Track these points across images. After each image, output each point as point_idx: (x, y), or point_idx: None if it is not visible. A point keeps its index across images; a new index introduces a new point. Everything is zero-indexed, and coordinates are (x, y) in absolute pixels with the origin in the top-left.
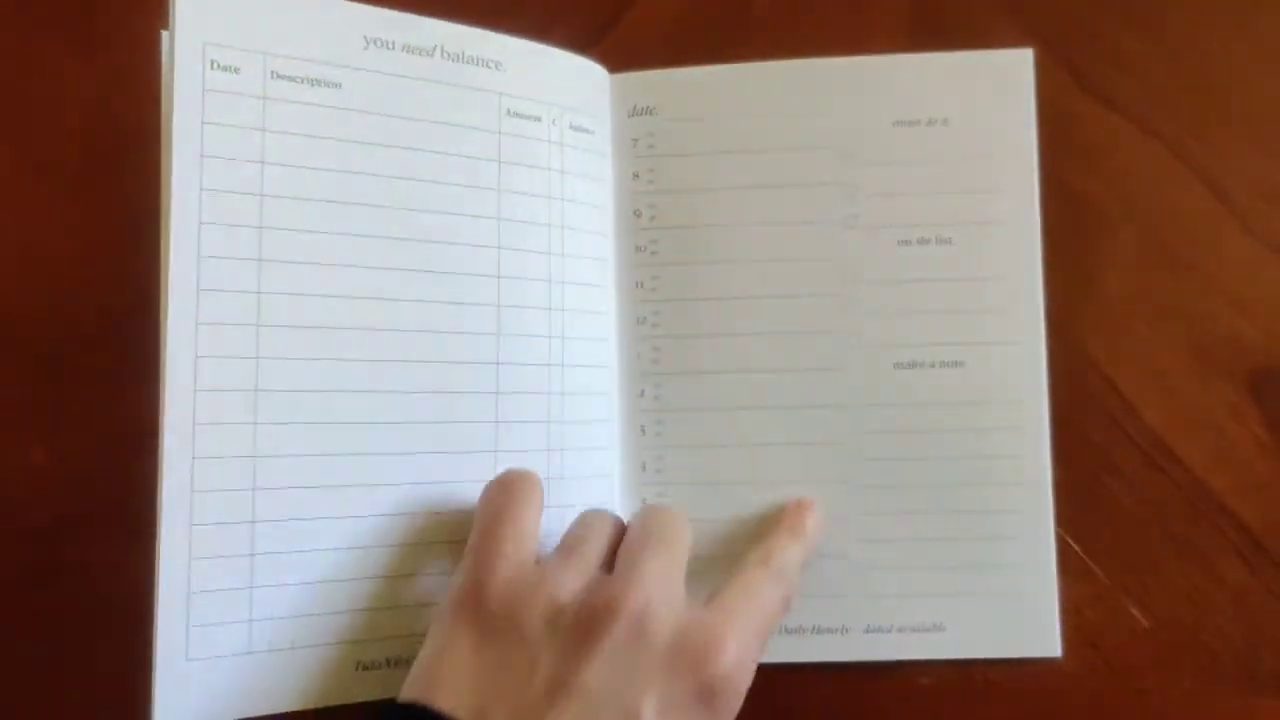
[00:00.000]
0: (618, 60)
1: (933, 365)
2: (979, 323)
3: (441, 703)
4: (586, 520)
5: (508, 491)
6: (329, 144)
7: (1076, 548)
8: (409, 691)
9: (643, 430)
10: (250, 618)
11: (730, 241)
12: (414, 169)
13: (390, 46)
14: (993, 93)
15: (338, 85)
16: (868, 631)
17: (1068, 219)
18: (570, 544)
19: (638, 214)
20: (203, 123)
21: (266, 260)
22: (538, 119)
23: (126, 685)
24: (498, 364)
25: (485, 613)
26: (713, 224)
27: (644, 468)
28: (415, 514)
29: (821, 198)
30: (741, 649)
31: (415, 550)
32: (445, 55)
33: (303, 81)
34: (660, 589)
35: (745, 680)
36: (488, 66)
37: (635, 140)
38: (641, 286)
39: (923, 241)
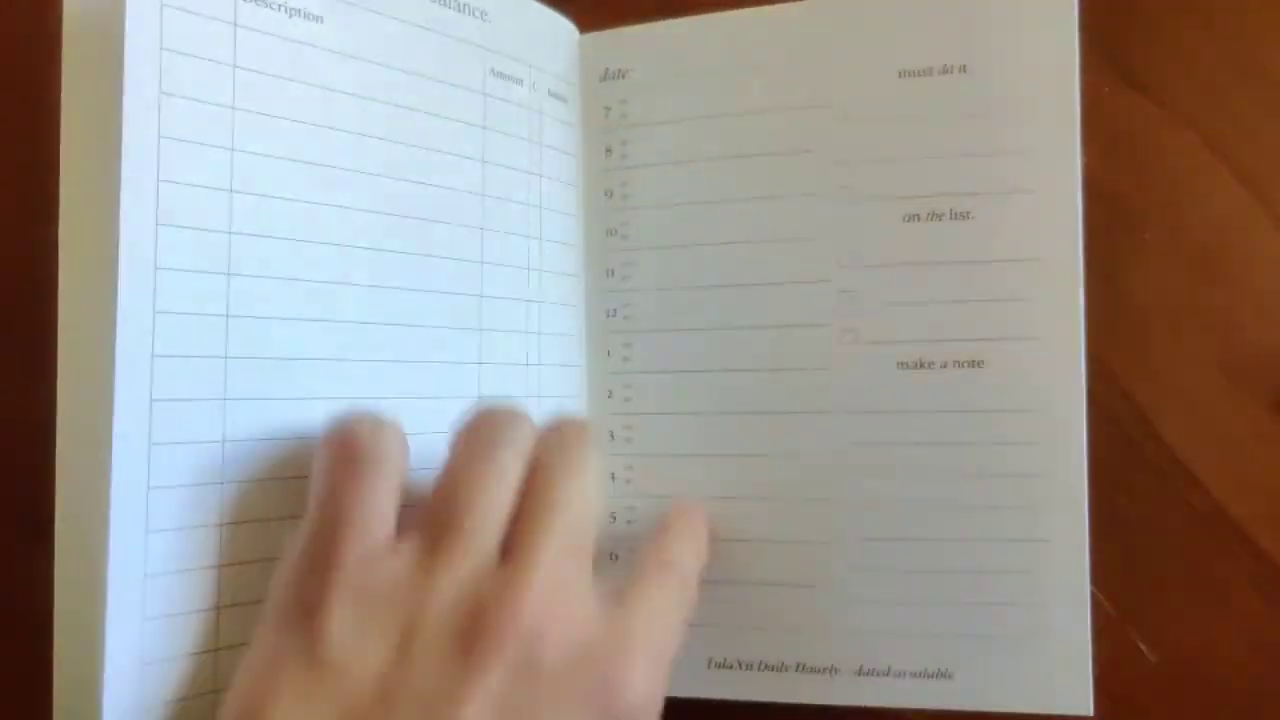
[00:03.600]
0: (591, 16)
1: (944, 365)
2: (1003, 314)
3: None
4: (477, 461)
5: (356, 451)
6: (306, 91)
7: None
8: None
9: (611, 436)
10: (217, 604)
11: (709, 222)
12: (398, 130)
13: None
14: (1023, 31)
15: (320, 19)
16: (860, 674)
17: (1086, 211)
18: (450, 511)
19: (609, 194)
20: (161, 49)
21: (236, 233)
22: (519, 82)
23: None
24: (479, 364)
25: (322, 625)
26: (690, 202)
27: (612, 478)
28: None
29: (812, 166)
30: (652, 676)
31: None
32: None
33: (281, 10)
34: (558, 592)
35: (655, 713)
36: (473, 15)
37: (607, 109)
38: (612, 275)
39: (934, 216)
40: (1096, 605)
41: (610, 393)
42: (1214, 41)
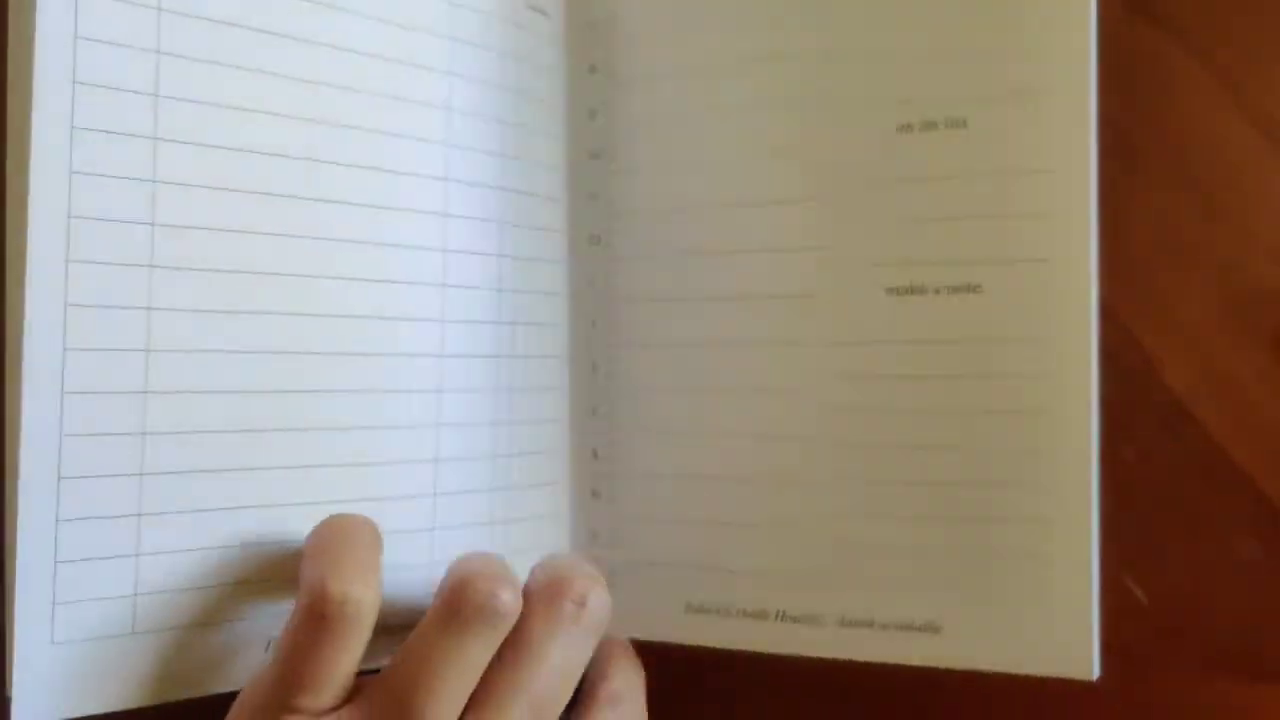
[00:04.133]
0: None
1: (938, 290)
2: (1004, 233)
3: None
4: (446, 650)
5: (328, 613)
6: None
7: None
8: None
9: (594, 368)
10: (135, 592)
11: (692, 137)
12: (344, 37)
13: None
14: None
15: None
16: (844, 625)
17: None
18: (408, 700)
19: (593, 114)
20: (76, 36)
21: (162, 182)
22: None
23: None
24: (444, 286)
25: None
26: (679, 116)
27: (594, 413)
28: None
29: (800, 71)
30: None
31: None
32: None
33: None
34: None
35: None
36: None
37: (593, 24)
38: (597, 199)
39: (928, 125)
40: None
41: (594, 323)
42: None
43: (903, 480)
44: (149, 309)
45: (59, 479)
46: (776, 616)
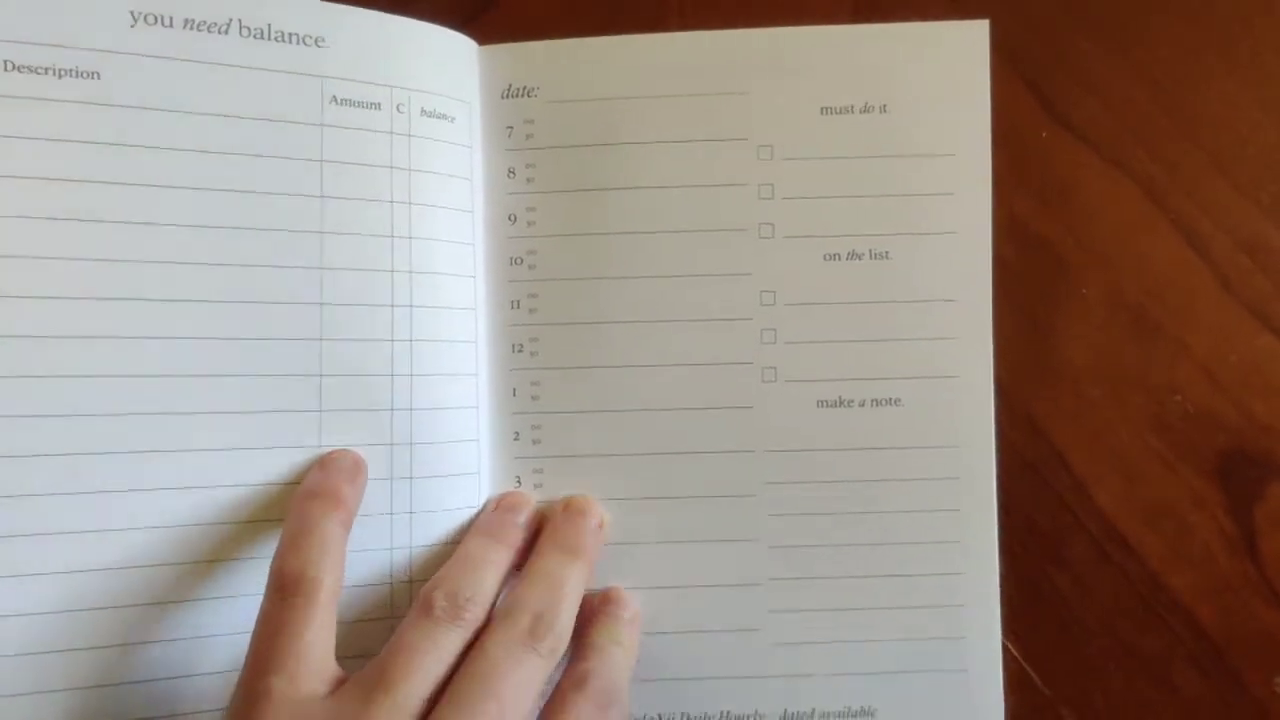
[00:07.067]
0: (498, 36)
1: (863, 404)
2: (921, 354)
3: None
4: (423, 635)
5: (289, 584)
6: (88, 150)
7: (1014, 651)
8: None
9: (518, 481)
10: None
11: (622, 254)
12: (205, 178)
13: (167, 23)
14: (940, 74)
15: (95, 75)
16: (785, 718)
17: (1022, 264)
18: (388, 678)
19: (512, 219)
20: None
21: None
22: (375, 106)
23: None
24: (320, 411)
25: None
26: (602, 232)
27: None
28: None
29: (731, 201)
30: None
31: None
32: (246, 32)
33: (47, 73)
34: None
35: None
36: (304, 44)
37: (510, 128)
38: (517, 307)
39: (853, 256)
40: (1029, 684)
41: (517, 434)
42: (1154, 91)
43: (834, 575)
44: None
45: None
46: (721, 717)
